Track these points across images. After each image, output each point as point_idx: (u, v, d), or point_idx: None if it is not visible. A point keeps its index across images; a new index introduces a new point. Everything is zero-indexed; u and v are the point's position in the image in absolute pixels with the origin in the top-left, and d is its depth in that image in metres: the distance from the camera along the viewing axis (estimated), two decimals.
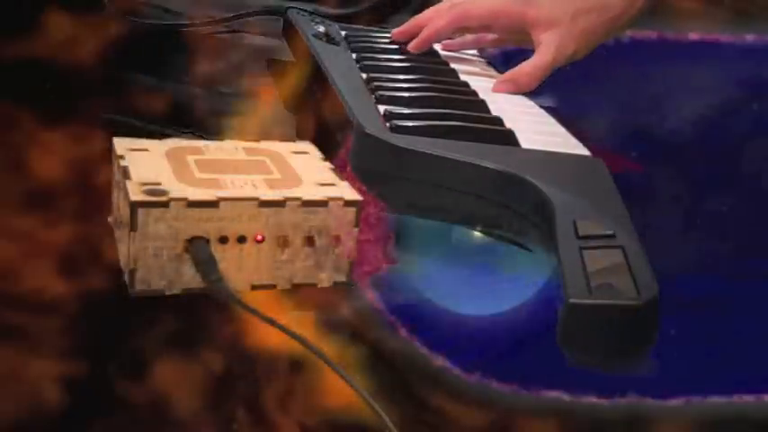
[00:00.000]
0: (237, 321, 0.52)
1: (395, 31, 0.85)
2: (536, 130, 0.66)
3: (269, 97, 0.78)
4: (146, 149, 0.59)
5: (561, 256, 0.48)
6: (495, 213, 0.57)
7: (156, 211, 0.51)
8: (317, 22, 0.87)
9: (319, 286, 0.56)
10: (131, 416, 0.49)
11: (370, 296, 0.56)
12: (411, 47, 0.83)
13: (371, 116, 0.62)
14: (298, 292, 0.55)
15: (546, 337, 0.47)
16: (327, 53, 0.77)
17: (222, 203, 0.52)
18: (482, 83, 0.77)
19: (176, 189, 0.52)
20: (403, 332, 0.53)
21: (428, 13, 0.82)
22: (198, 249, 0.52)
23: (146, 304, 0.53)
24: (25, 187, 0.63)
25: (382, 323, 0.54)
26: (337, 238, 0.55)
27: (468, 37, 0.87)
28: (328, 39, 0.81)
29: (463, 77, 0.78)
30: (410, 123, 0.62)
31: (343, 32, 0.88)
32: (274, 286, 0.55)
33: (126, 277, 0.52)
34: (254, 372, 0.52)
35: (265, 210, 0.53)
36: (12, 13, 0.77)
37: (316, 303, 0.55)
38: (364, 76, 0.73)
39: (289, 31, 0.88)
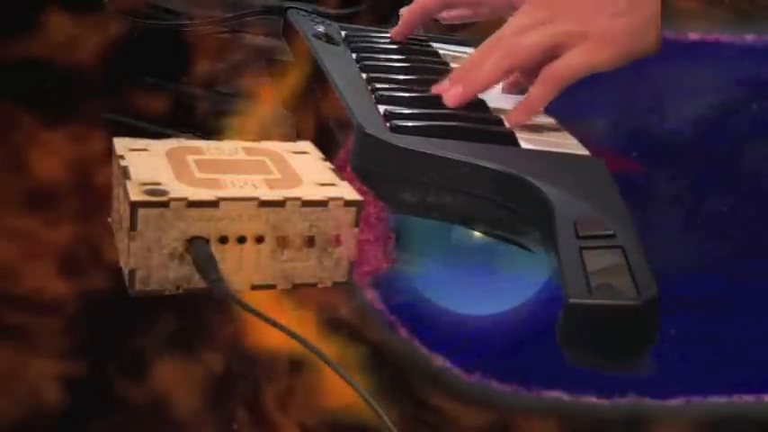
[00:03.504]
0: (237, 321, 0.52)
1: (392, 32, 0.83)
2: (536, 130, 0.66)
3: (269, 97, 0.78)
4: (146, 149, 0.59)
5: (561, 256, 0.48)
6: (495, 213, 0.57)
7: (156, 211, 0.51)
8: (317, 22, 0.87)
9: (319, 286, 0.56)
10: (131, 416, 0.49)
11: (370, 296, 0.56)
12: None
13: (371, 116, 0.62)
14: (298, 292, 0.55)
15: (546, 337, 0.47)
16: (327, 53, 0.77)
17: (222, 203, 0.52)
18: None
19: (176, 189, 0.52)
20: (403, 332, 0.53)
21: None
22: (198, 249, 0.52)
23: (146, 304, 0.53)
24: (25, 187, 0.63)
25: (382, 323, 0.54)
26: (337, 238, 0.55)
27: (465, 11, 0.84)
28: (328, 39, 0.81)
29: None
30: (410, 123, 0.62)
31: (343, 32, 0.88)
32: (274, 286, 0.55)
33: (126, 277, 0.52)
34: (254, 372, 0.52)
35: (265, 210, 0.53)
36: (12, 12, 0.77)
37: (316, 303, 0.55)
38: (364, 76, 0.73)
39: (289, 31, 0.88)
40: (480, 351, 0.50)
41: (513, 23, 0.66)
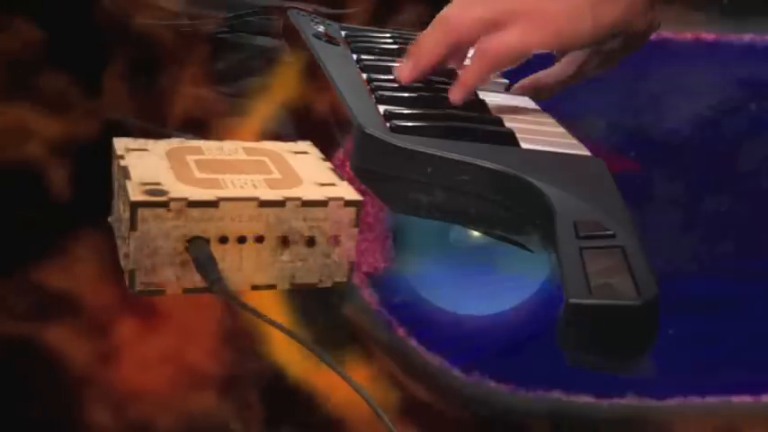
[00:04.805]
0: (237, 321, 0.52)
1: (403, 76, 0.70)
2: (536, 130, 0.66)
3: (269, 97, 0.78)
4: (146, 149, 0.59)
5: (561, 256, 0.48)
6: (495, 213, 0.57)
7: (156, 211, 0.51)
8: (317, 22, 0.87)
9: (319, 286, 0.56)
10: (131, 416, 0.49)
11: (370, 296, 0.56)
12: (456, 100, 0.70)
13: (371, 116, 0.62)
14: (298, 292, 0.55)
15: (545, 337, 0.47)
16: (327, 53, 0.77)
17: (222, 203, 0.52)
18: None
19: (176, 189, 0.52)
20: (401, 332, 0.53)
21: (426, 44, 0.69)
22: (198, 249, 0.52)
23: (146, 302, 0.53)
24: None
25: (381, 323, 0.54)
26: (337, 238, 0.55)
27: None
28: (328, 39, 0.81)
29: None
30: (410, 123, 0.62)
31: (343, 32, 0.88)
32: (274, 286, 0.55)
33: (126, 277, 0.52)
34: (255, 372, 0.52)
35: (265, 210, 0.53)
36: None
37: (316, 303, 0.55)
38: (364, 76, 0.73)
39: (289, 31, 0.88)
40: (479, 351, 0.50)
41: (459, 1, 0.68)
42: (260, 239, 0.53)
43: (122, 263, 0.54)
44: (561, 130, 0.68)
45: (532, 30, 0.65)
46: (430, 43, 0.68)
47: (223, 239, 0.53)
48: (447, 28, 0.67)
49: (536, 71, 0.73)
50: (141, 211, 0.51)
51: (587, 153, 0.63)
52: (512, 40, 0.65)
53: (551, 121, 0.70)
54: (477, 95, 0.73)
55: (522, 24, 0.65)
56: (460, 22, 0.66)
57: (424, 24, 0.90)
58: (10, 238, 0.59)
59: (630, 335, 0.47)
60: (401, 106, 0.65)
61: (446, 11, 0.69)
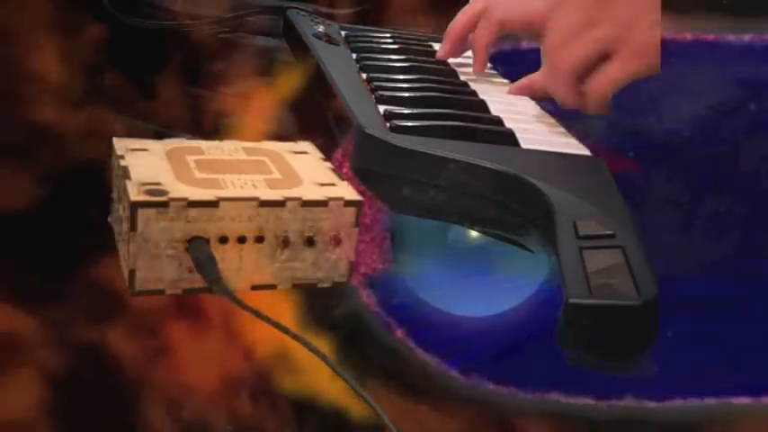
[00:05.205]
0: (237, 321, 0.52)
1: (440, 53, 0.81)
2: (536, 129, 0.66)
3: (269, 97, 0.78)
4: (146, 149, 0.59)
5: (561, 256, 0.48)
6: (495, 213, 0.57)
7: (156, 211, 0.51)
8: (317, 22, 0.87)
9: (319, 286, 0.56)
10: (132, 416, 0.49)
11: (368, 297, 0.56)
12: (475, 72, 0.79)
13: (371, 116, 0.62)
14: (298, 292, 0.55)
15: (544, 338, 0.47)
16: (327, 53, 0.77)
17: (222, 203, 0.52)
18: (482, 83, 0.77)
19: (176, 189, 0.52)
20: (400, 333, 0.53)
21: (462, 19, 0.78)
22: (198, 249, 0.52)
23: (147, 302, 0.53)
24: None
25: (380, 324, 0.54)
26: (337, 238, 0.55)
27: None
28: (328, 39, 0.81)
29: (463, 77, 0.78)
30: (410, 123, 0.62)
31: (343, 32, 0.88)
32: (274, 286, 0.55)
33: (126, 277, 0.52)
34: (255, 371, 0.52)
35: (265, 210, 0.53)
36: None
37: (315, 303, 0.55)
38: (364, 76, 0.73)
39: (289, 31, 0.88)
40: (477, 352, 0.50)
41: (561, 25, 0.67)
42: (260, 239, 0.53)
43: (122, 263, 0.54)
44: (561, 130, 0.68)
45: (633, 58, 0.65)
46: (560, 86, 0.68)
47: (223, 239, 0.53)
48: (557, 71, 0.68)
49: (535, 71, 0.73)
50: (141, 211, 0.51)
51: (587, 153, 0.63)
52: (615, 74, 0.65)
53: (551, 121, 0.70)
54: (477, 95, 0.73)
55: (623, 53, 0.65)
56: (568, 65, 0.67)
57: (423, 25, 0.90)
58: (75, 236, 0.58)
59: (630, 335, 0.47)
60: (401, 106, 0.65)
61: (551, 48, 0.68)
